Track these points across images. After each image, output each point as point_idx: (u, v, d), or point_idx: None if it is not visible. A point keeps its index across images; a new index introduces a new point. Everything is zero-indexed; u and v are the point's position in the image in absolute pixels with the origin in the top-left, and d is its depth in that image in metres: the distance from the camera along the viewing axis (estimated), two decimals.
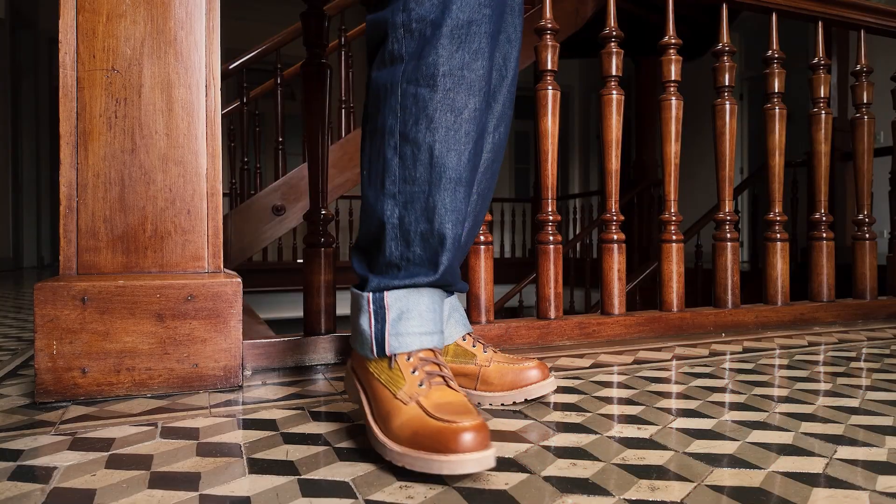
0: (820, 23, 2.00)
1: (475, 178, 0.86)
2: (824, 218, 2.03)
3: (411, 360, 0.82)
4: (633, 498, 0.67)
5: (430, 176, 0.80)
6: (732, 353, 1.49)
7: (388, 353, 0.82)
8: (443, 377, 0.80)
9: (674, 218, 1.78)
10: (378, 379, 0.83)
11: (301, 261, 1.39)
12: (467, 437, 0.69)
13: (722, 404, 1.04)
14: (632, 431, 0.90)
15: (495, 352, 1.07)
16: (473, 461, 0.69)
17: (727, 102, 1.84)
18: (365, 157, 0.87)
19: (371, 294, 0.85)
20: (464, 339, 1.06)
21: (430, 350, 0.84)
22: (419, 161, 0.80)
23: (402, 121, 0.81)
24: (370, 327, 0.84)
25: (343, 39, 3.75)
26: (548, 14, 1.66)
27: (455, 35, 0.78)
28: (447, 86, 0.79)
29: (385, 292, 0.84)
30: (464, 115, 0.81)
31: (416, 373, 0.80)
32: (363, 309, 0.85)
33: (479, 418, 0.72)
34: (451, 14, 0.78)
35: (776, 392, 1.12)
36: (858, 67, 2.10)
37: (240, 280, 1.17)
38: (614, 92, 1.70)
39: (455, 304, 1.07)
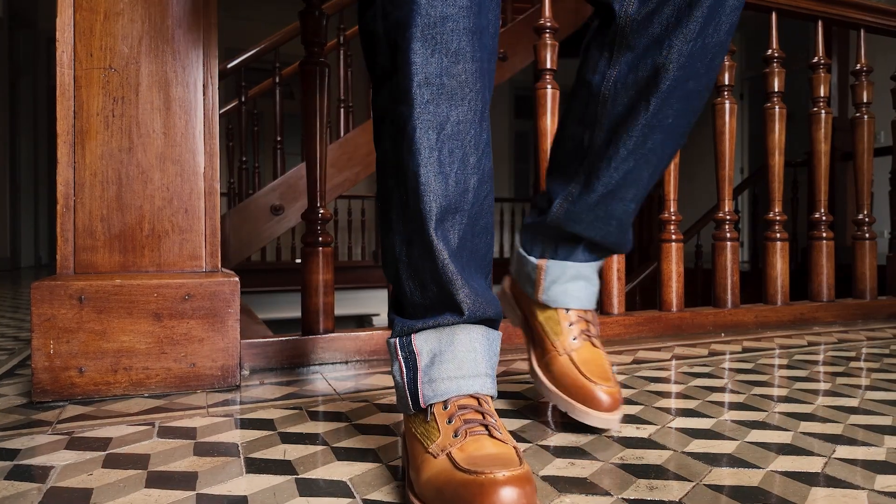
0: (820, 22, 1.99)
1: (469, 199, 0.72)
2: (824, 218, 2.03)
3: (448, 408, 0.68)
4: (632, 497, 0.67)
5: (421, 206, 0.68)
6: (732, 353, 1.48)
7: (422, 404, 0.69)
8: (485, 426, 0.66)
9: (673, 217, 1.78)
10: (415, 433, 0.70)
11: (299, 261, 1.39)
12: (501, 493, 0.54)
13: (721, 404, 1.04)
14: (630, 431, 0.90)
15: (592, 343, 0.95)
16: None
17: (727, 102, 1.83)
18: (377, 189, 0.78)
19: (398, 339, 0.74)
20: (567, 311, 0.96)
21: (472, 396, 0.69)
22: (409, 190, 0.69)
23: (395, 145, 0.70)
24: (402, 377, 0.72)
25: (342, 38, 3.75)
26: (547, 13, 1.66)
27: (427, 36, 0.66)
28: (424, 98, 0.67)
29: (413, 335, 0.73)
30: (446, 131, 0.68)
31: (453, 422, 0.67)
32: (393, 357, 0.74)
33: (521, 468, 0.58)
34: (419, 11, 0.65)
35: (775, 392, 1.12)
36: (858, 67, 2.10)
37: (237, 279, 1.17)
38: None
39: (585, 273, 0.96)
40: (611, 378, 0.90)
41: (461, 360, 0.70)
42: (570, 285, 0.96)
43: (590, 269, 0.97)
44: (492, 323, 0.75)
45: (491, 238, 0.77)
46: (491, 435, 0.65)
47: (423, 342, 0.72)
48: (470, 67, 0.68)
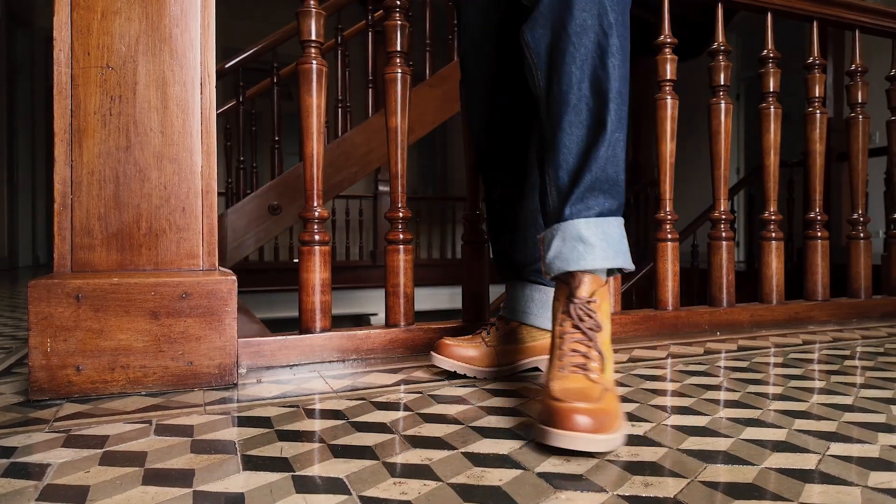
0: (815, 23, 2.00)
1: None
2: (819, 217, 2.04)
3: None
4: (627, 494, 0.68)
5: None
6: (727, 352, 1.49)
7: None
8: None
9: (669, 217, 1.79)
10: None
11: (297, 260, 1.40)
12: None
13: (716, 402, 1.04)
14: (626, 429, 0.90)
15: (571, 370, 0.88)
16: None
17: (722, 102, 1.84)
18: None
19: None
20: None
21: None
22: None
23: None
24: None
25: (339, 38, 3.75)
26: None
27: None
28: None
29: None
30: None
31: None
32: None
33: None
34: None
35: (770, 390, 1.13)
36: (853, 67, 2.11)
37: (234, 278, 1.17)
38: None
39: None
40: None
41: None
42: None
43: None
44: None
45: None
46: None
47: None
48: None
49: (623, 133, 0.96)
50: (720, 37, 1.85)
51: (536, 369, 1.26)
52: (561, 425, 0.77)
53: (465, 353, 1.19)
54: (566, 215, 0.96)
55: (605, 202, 0.96)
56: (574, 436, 0.76)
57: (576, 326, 0.91)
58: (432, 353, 1.22)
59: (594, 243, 0.93)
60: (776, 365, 1.35)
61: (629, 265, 0.96)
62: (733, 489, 0.69)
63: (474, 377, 1.19)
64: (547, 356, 1.25)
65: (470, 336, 1.24)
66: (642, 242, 5.63)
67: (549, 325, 1.24)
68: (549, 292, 1.24)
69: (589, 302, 0.91)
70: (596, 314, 0.91)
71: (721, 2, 1.85)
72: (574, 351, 0.89)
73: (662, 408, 1.01)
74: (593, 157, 0.95)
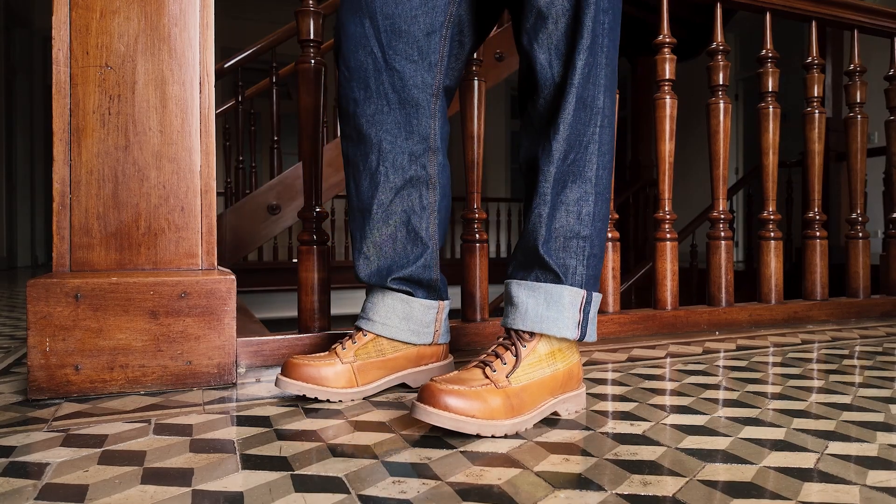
0: (813, 22, 2.01)
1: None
2: (818, 217, 2.04)
3: None
4: (626, 492, 0.68)
5: None
6: (726, 351, 1.49)
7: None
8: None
9: (668, 216, 1.79)
10: None
11: (296, 260, 1.40)
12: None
13: (715, 401, 1.05)
14: (625, 427, 0.90)
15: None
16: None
17: (721, 101, 1.84)
18: None
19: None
20: None
21: None
22: None
23: None
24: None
25: None
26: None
27: None
28: None
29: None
30: None
31: None
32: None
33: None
34: None
35: (769, 389, 1.13)
36: (851, 67, 2.11)
37: (234, 277, 1.17)
38: None
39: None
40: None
41: None
42: None
43: None
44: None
45: None
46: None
47: None
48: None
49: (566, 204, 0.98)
50: (719, 36, 1.85)
51: (404, 386, 1.14)
52: (428, 402, 0.83)
53: (317, 373, 1.04)
54: (508, 273, 1.02)
55: (539, 272, 0.98)
56: (438, 413, 0.82)
57: (507, 333, 0.96)
58: (278, 375, 1.06)
59: (517, 305, 0.97)
60: (775, 364, 1.35)
61: (554, 332, 0.95)
62: (732, 488, 0.69)
63: (327, 400, 1.04)
64: (413, 369, 1.14)
65: (325, 353, 1.09)
66: (641, 242, 5.63)
67: (411, 339, 1.11)
68: (413, 303, 1.11)
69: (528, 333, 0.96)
70: (530, 336, 0.95)
71: (720, 1, 1.85)
72: (491, 352, 0.93)
73: (661, 407, 1.01)
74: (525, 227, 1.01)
